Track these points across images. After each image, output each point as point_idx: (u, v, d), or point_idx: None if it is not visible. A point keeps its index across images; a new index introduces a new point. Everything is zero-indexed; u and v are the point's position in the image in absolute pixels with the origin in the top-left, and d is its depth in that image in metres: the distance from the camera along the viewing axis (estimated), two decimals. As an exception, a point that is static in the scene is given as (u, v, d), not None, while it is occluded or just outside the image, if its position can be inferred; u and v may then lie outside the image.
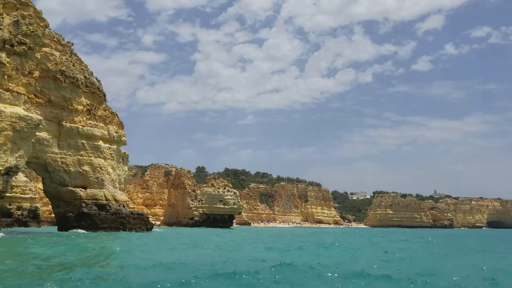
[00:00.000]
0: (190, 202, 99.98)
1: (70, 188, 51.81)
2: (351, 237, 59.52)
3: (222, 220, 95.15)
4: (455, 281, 16.38)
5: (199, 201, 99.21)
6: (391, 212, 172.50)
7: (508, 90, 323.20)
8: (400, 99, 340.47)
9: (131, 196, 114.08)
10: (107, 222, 52.22)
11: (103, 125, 55.84)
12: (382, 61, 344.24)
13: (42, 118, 43.96)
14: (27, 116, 39.58)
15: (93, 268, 18.99)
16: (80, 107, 53.04)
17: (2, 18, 39.08)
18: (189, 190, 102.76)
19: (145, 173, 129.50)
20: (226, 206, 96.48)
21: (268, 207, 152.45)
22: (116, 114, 59.65)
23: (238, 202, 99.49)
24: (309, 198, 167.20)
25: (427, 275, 17.37)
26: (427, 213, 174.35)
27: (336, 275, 17.15)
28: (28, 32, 40.89)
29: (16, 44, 39.58)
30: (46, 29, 45.35)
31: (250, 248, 32.98)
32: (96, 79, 57.43)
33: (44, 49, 48.75)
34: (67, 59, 52.23)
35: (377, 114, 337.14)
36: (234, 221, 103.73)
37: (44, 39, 45.74)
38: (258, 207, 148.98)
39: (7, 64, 38.51)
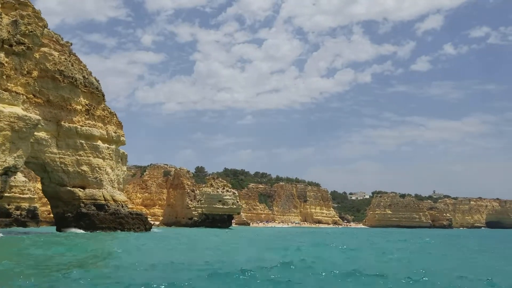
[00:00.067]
0: (189, 202, 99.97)
1: (69, 188, 51.80)
2: (350, 237, 59.55)
3: (221, 220, 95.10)
4: (452, 280, 16.41)
5: (198, 201, 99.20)
6: (390, 212, 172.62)
7: (507, 90, 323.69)
8: (399, 99, 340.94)
9: (130, 196, 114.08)
10: (106, 222, 52.20)
11: (102, 125, 55.83)
12: (381, 61, 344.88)
13: (40, 118, 43.98)
14: (26, 116, 39.59)
15: (91, 268, 18.99)
16: (78, 107, 53.03)
17: (1, 18, 39.08)
18: (188, 190, 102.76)
19: (144, 173, 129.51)
20: (225, 206, 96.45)
21: (267, 207, 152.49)
22: (115, 114, 59.65)
23: (237, 202, 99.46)
24: (308, 198, 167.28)
25: (423, 275, 17.39)
26: (426, 213, 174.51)
27: (332, 274, 17.19)
28: (27, 32, 40.89)
29: (14, 44, 39.58)
30: (45, 29, 45.34)
31: (248, 248, 32.99)
32: (95, 79, 57.43)
33: (42, 49, 48.75)
34: (65, 59, 52.22)
35: (376, 114, 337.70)
36: (233, 221, 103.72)
37: (42, 39, 45.76)
38: (257, 207, 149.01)
39: (6, 64, 38.52)
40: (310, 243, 39.41)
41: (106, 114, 57.41)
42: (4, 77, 38.28)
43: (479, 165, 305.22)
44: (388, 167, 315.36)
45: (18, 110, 39.15)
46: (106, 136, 55.91)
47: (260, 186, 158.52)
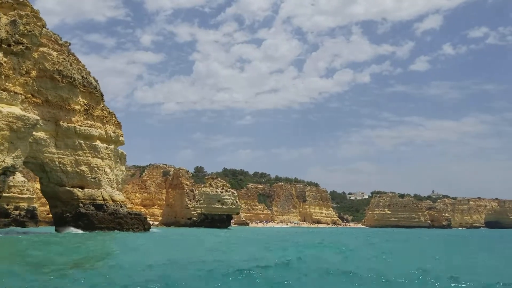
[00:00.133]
0: (188, 202, 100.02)
1: (68, 188, 51.78)
2: (348, 237, 59.58)
3: (220, 220, 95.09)
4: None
5: (197, 201, 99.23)
6: (389, 212, 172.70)
7: (506, 90, 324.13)
8: (398, 99, 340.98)
9: (129, 196, 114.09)
10: (105, 222, 52.18)
11: (101, 125, 55.81)
12: (380, 61, 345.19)
13: (39, 118, 43.94)
14: (24, 116, 39.57)
15: (88, 268, 18.99)
16: (77, 107, 53.02)
17: (-1, 18, 39.09)
18: (187, 190, 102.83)
19: (143, 173, 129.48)
20: (224, 206, 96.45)
21: (266, 207, 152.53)
22: (114, 114, 59.63)
23: (236, 202, 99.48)
24: (307, 198, 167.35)
25: (419, 275, 17.41)
26: (425, 213, 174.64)
27: (329, 274, 17.20)
28: (25, 31, 40.88)
29: (13, 43, 39.56)
30: (43, 28, 45.32)
31: (246, 248, 33.00)
32: (94, 78, 57.42)
33: (41, 48, 48.74)
34: (64, 58, 52.21)
35: (375, 114, 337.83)
36: (232, 221, 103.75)
37: (41, 39, 45.73)
38: (256, 207, 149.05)
39: (4, 64, 38.50)
40: (309, 243, 39.41)
41: (105, 114, 57.40)
42: (3, 77, 38.26)
43: (478, 165, 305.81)
44: (387, 167, 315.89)
45: (17, 110, 39.13)
46: (105, 136, 55.88)
47: (259, 186, 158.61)
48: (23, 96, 41.82)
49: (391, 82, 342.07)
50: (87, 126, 53.56)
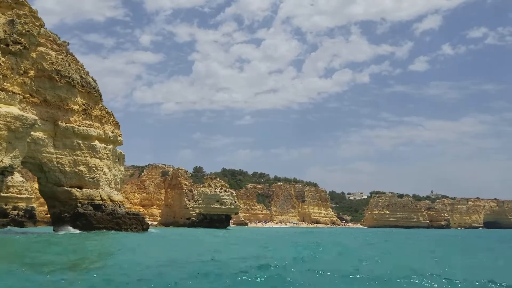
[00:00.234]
0: (187, 202, 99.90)
1: (66, 188, 51.67)
2: (347, 237, 59.55)
3: (219, 221, 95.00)
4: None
5: (196, 201, 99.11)
6: (388, 212, 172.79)
7: (505, 90, 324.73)
8: (397, 100, 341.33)
9: (128, 196, 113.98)
10: (103, 222, 52.07)
11: (99, 125, 55.72)
12: (379, 61, 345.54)
13: (37, 117, 43.87)
14: (22, 115, 39.49)
15: (86, 268, 18.95)
16: (75, 107, 52.92)
17: (-3, 17, 39.00)
18: (186, 190, 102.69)
19: (142, 173, 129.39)
20: (223, 206, 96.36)
21: (265, 207, 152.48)
22: (112, 114, 59.53)
23: (235, 202, 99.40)
24: (306, 198, 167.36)
25: (418, 276, 17.38)
26: (424, 213, 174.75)
27: (328, 274, 17.17)
28: (24, 31, 40.80)
29: (11, 43, 39.49)
30: (42, 28, 45.23)
31: (244, 248, 32.95)
32: (92, 78, 57.32)
33: (39, 48, 48.62)
34: (62, 58, 52.11)
35: (374, 115, 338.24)
36: (231, 221, 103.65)
37: (39, 39, 45.64)
38: (255, 207, 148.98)
39: (2, 64, 38.43)
40: (307, 244, 39.37)
41: (103, 114, 57.30)
42: (1, 76, 38.19)
43: (477, 165, 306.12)
44: (386, 167, 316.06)
45: (15, 109, 39.06)
46: (103, 136, 55.78)
47: (258, 186, 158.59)
48: (21, 96, 41.74)
49: (390, 82, 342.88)
50: (86, 126, 53.47)
